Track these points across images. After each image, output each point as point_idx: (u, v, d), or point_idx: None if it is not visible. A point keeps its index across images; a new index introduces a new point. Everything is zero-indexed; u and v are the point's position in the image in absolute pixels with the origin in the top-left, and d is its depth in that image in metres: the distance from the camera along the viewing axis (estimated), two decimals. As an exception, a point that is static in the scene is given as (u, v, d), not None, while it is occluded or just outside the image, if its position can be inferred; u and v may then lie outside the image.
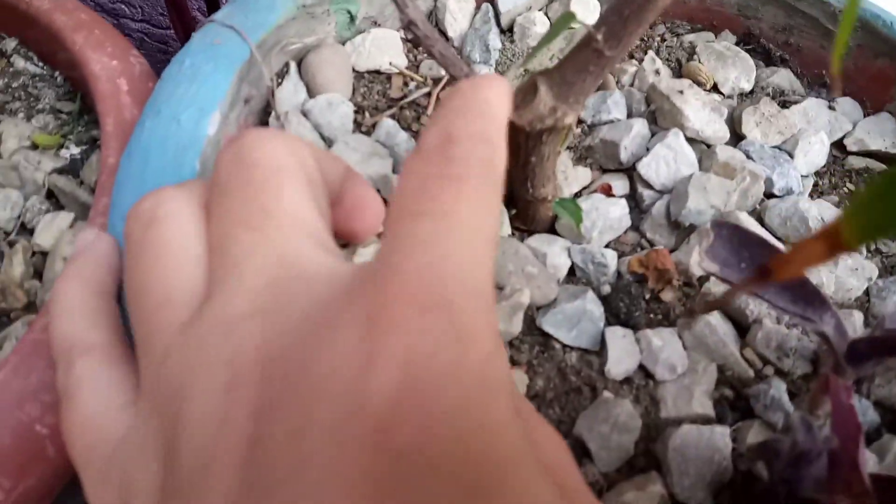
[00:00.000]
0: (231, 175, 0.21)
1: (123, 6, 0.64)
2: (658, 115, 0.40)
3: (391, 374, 0.14)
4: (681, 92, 0.39)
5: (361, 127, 0.40)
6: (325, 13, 0.40)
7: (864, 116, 0.42)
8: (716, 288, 0.34)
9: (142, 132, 0.32)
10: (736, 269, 0.30)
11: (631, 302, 0.33)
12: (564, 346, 0.32)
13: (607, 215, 0.35)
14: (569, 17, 0.27)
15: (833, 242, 0.16)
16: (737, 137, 0.39)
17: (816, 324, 0.27)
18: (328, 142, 0.37)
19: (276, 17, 0.37)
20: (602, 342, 0.31)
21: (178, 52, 0.35)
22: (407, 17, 0.29)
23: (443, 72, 0.43)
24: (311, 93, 0.39)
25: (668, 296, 0.34)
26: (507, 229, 0.35)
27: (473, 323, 0.16)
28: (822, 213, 0.35)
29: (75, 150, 0.41)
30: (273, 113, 0.37)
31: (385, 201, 0.35)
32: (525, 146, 0.31)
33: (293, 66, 0.39)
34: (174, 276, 0.19)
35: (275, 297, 0.18)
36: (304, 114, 0.37)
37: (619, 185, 0.38)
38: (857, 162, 0.40)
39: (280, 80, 0.39)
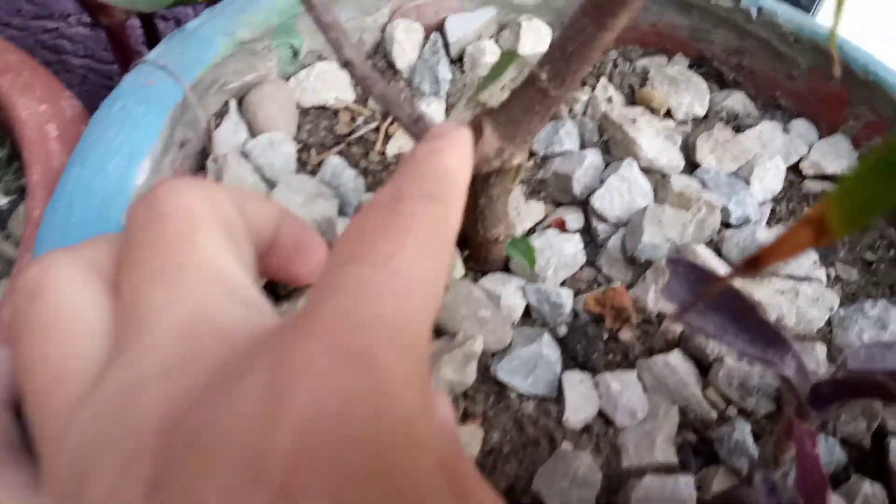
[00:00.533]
0: (142, 228, 0.19)
1: (65, 42, 0.62)
2: (611, 144, 0.39)
3: (293, 430, 0.13)
4: (633, 120, 0.38)
5: (307, 166, 0.38)
6: (265, 49, 0.39)
7: (819, 138, 0.42)
8: (675, 325, 0.33)
9: (67, 182, 0.30)
10: (693, 308, 0.29)
11: (588, 343, 0.32)
12: (521, 394, 0.30)
13: (562, 252, 0.34)
14: (511, 55, 0.26)
15: (819, 229, 0.16)
16: (692, 165, 0.39)
17: (777, 366, 0.26)
18: (270, 184, 0.36)
19: (213, 54, 0.35)
20: (559, 388, 0.30)
21: (108, 96, 0.33)
22: (343, 57, 0.28)
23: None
24: (253, 132, 0.38)
25: (626, 335, 0.33)
26: (461, 270, 0.34)
27: (396, 377, 0.14)
28: (780, 242, 0.34)
29: (3, 200, 0.38)
30: (211, 156, 0.36)
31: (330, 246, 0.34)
32: (473, 188, 0.30)
33: (233, 104, 0.38)
34: (67, 350, 0.18)
35: (185, 355, 0.16)
36: (245, 155, 0.36)
37: (574, 218, 0.37)
38: (813, 186, 0.40)
39: (219, 121, 0.37)
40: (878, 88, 0.39)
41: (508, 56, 0.26)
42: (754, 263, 0.18)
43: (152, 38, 0.54)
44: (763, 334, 0.27)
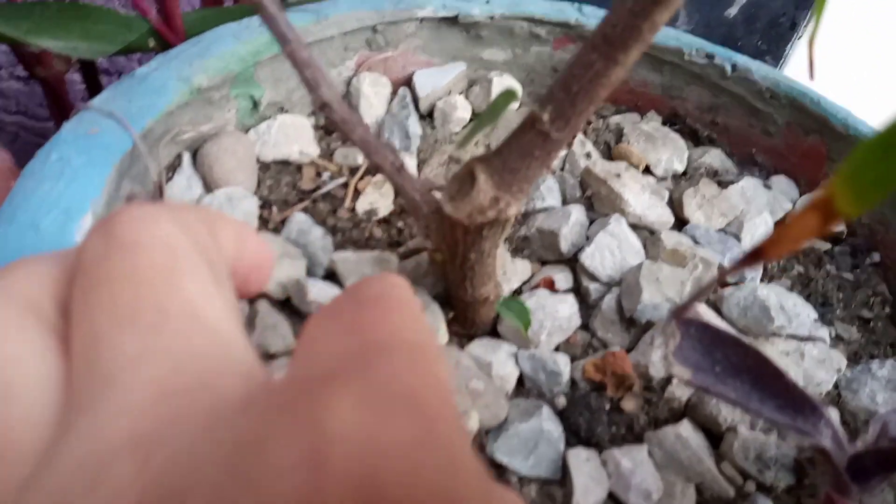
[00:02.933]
0: (104, 261, 0.15)
1: (-5, 96, 0.58)
2: (595, 200, 0.37)
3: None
4: (618, 175, 0.36)
5: (269, 224, 0.34)
6: (223, 98, 0.36)
7: (801, 195, 0.41)
8: (680, 391, 0.30)
9: (-9, 242, 0.26)
10: (710, 373, 0.26)
11: (592, 416, 0.28)
12: (522, 477, 0.27)
13: (555, 315, 0.31)
14: (510, 94, 0.24)
15: (826, 212, 0.15)
16: (680, 221, 0.37)
17: (811, 436, 0.24)
18: (229, 243, 0.32)
19: (167, 101, 0.32)
20: (564, 469, 0.27)
21: (45, 145, 0.30)
22: (320, 99, 0.25)
23: (360, 160, 0.39)
24: (209, 187, 0.34)
25: (629, 404, 0.30)
26: (444, 335, 0.30)
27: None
28: (781, 300, 0.32)
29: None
30: (162, 212, 0.32)
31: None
32: (463, 242, 0.27)
33: (187, 157, 0.34)
34: (2, 416, 0.14)
35: (168, 417, 0.13)
36: (201, 211, 0.32)
37: (562, 277, 0.34)
38: (800, 242, 0.38)
39: (171, 174, 0.33)
40: (856, 144, 0.38)
41: (507, 95, 0.24)
42: (758, 254, 0.17)
43: (94, 92, 0.50)
44: (792, 400, 0.24)
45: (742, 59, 0.42)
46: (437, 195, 0.30)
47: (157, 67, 0.33)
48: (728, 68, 0.42)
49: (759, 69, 0.41)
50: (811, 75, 0.23)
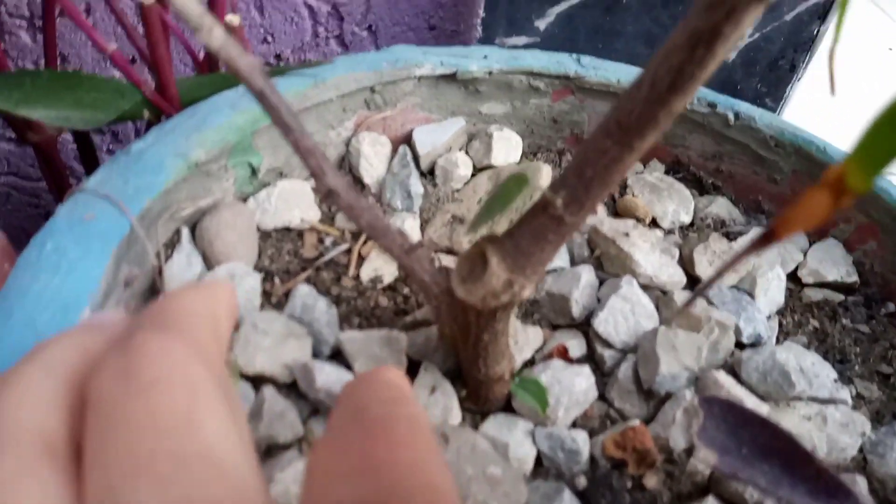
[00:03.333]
0: (121, 404, 0.15)
1: (-15, 158, 0.57)
2: (604, 260, 0.36)
3: None
4: (626, 234, 0.36)
5: (272, 298, 0.34)
6: (221, 169, 0.35)
7: (810, 244, 0.40)
8: (703, 464, 0.29)
9: (-14, 342, 0.25)
10: (737, 455, 0.25)
11: (614, 497, 0.27)
12: (546, 570, 0.25)
13: (572, 389, 0.30)
14: (521, 180, 0.23)
15: (837, 189, 0.16)
16: (692, 278, 0.36)
17: (848, 525, 0.23)
18: (232, 323, 0.31)
19: (164, 179, 0.31)
20: (590, 558, 0.26)
21: (39, 231, 0.29)
22: (325, 187, 0.24)
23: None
24: (209, 263, 0.33)
25: (651, 481, 0.29)
26: (458, 415, 0.29)
27: None
28: (800, 362, 0.32)
29: None
30: (161, 294, 0.31)
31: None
32: (476, 324, 0.26)
33: (185, 232, 0.33)
34: None
35: None
36: (201, 291, 0.31)
37: (575, 344, 0.33)
38: (814, 294, 0.38)
39: (170, 252, 0.32)
40: (867, 192, 0.38)
41: (518, 180, 0.23)
42: (771, 235, 0.18)
43: (87, 154, 0.49)
44: (824, 485, 0.23)
45: (745, 107, 0.41)
46: (446, 268, 0.30)
47: (153, 143, 0.32)
48: (731, 117, 0.41)
49: (762, 117, 0.41)
50: (832, 90, 0.23)
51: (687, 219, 0.41)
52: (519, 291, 0.24)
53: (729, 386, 0.30)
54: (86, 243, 0.27)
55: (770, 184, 0.42)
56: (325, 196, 0.24)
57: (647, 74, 0.20)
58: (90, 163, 0.48)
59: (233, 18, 0.37)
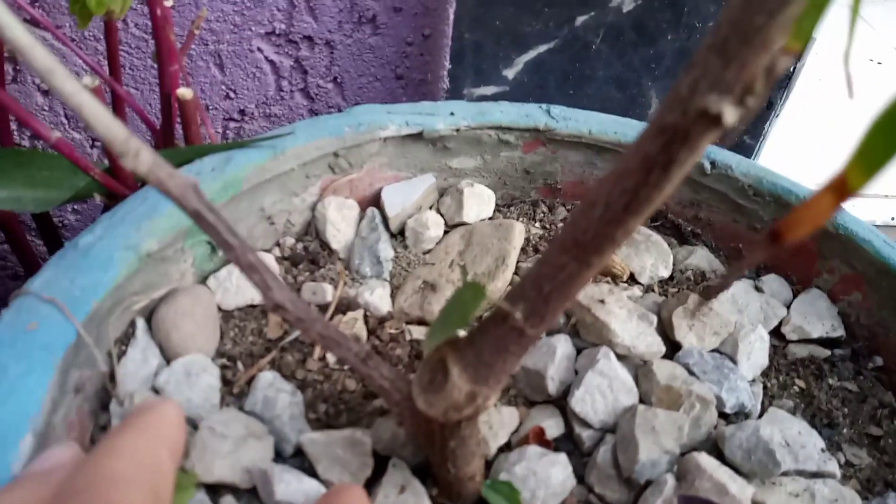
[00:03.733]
0: None
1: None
2: (580, 327, 0.35)
3: None
4: (602, 301, 0.34)
5: (233, 388, 0.32)
6: (178, 252, 0.34)
7: (794, 294, 0.39)
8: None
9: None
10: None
11: None
12: None
13: (548, 481, 0.28)
14: (477, 292, 0.22)
15: (839, 190, 0.16)
16: (671, 344, 0.35)
17: None
18: (190, 424, 0.30)
19: (114, 275, 0.30)
20: None
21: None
22: (272, 301, 0.23)
23: (329, 296, 0.37)
24: (167, 355, 0.32)
25: (635, 576, 0.27)
26: (429, 514, 0.28)
27: None
28: (785, 435, 0.30)
29: None
30: (113, 397, 0.29)
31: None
32: (441, 433, 0.25)
33: (141, 324, 0.32)
34: None
35: None
36: (157, 391, 0.30)
37: (552, 423, 0.32)
38: (798, 350, 0.37)
39: (124, 348, 0.31)
40: (850, 242, 0.36)
41: (474, 292, 0.22)
42: (776, 237, 0.18)
43: (44, 223, 0.48)
44: None
45: (722, 156, 0.40)
46: (406, 375, 0.28)
47: (102, 235, 0.31)
48: (707, 165, 0.40)
49: (739, 165, 0.40)
50: (850, 94, 0.23)
51: (666, 273, 0.40)
52: (482, 403, 0.23)
53: (711, 470, 0.28)
54: (28, 358, 0.26)
55: (750, 231, 0.41)
56: (273, 310, 0.23)
57: (601, 195, 0.18)
58: (49, 234, 0.46)
59: (184, 92, 0.36)
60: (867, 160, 0.16)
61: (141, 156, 0.20)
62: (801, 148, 0.51)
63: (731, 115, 0.16)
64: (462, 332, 0.24)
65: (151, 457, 0.20)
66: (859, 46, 0.83)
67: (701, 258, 0.40)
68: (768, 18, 0.15)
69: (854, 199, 0.17)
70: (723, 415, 0.33)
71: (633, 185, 0.18)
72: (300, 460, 0.29)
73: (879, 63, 0.82)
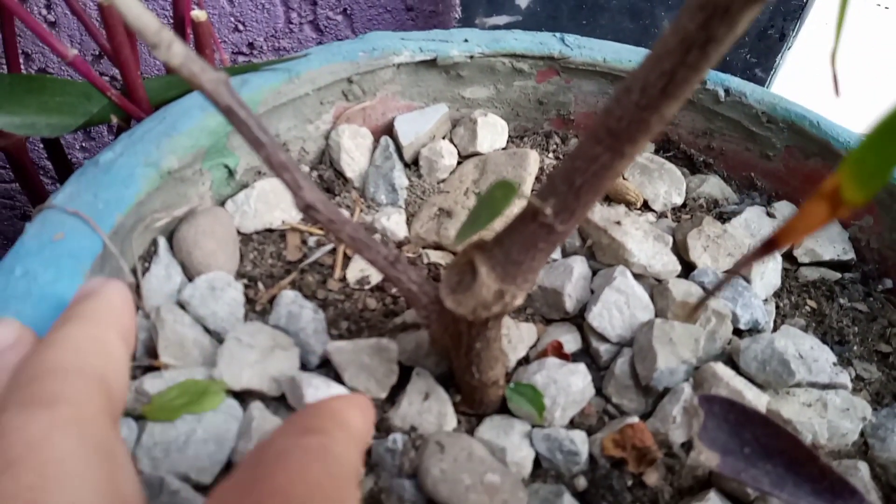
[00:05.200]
0: None
1: (-44, 161, 0.55)
2: (597, 250, 0.35)
3: None
4: (618, 223, 0.35)
5: (256, 305, 0.33)
6: (196, 173, 0.34)
7: (805, 221, 0.39)
8: (703, 457, 0.29)
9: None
10: (739, 455, 0.25)
11: (614, 497, 0.27)
12: (549, 580, 0.25)
13: (568, 388, 0.29)
14: (508, 189, 0.22)
15: (834, 201, 0.16)
16: (685, 265, 0.35)
17: (854, 526, 0.22)
18: (216, 336, 0.30)
19: (135, 191, 0.30)
20: (593, 564, 0.25)
21: (7, 254, 0.27)
22: (303, 201, 0.23)
23: (346, 221, 0.37)
24: (189, 273, 0.32)
25: (652, 478, 0.28)
26: (453, 420, 0.29)
27: None
28: (798, 348, 0.31)
29: None
30: (139, 310, 0.30)
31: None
32: (467, 333, 0.25)
33: (162, 242, 0.32)
34: None
35: None
36: (182, 305, 0.30)
37: (570, 339, 0.32)
38: (810, 273, 0.37)
39: (147, 265, 0.31)
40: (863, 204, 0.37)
41: (506, 189, 0.22)
42: (772, 245, 0.18)
43: (57, 156, 0.48)
44: (829, 484, 0.23)
45: (735, 83, 0.40)
46: (434, 277, 0.29)
47: (123, 152, 0.31)
48: (721, 93, 0.40)
49: (753, 92, 0.40)
50: (836, 91, 0.23)
51: (679, 200, 0.40)
52: (510, 301, 0.24)
53: (728, 378, 0.29)
54: (57, 265, 0.26)
55: (763, 160, 0.41)
56: (303, 210, 0.23)
57: (637, 79, 0.19)
58: (61, 164, 0.46)
59: (198, 14, 0.36)
60: (861, 175, 0.15)
61: (174, 48, 0.20)
62: (813, 81, 0.51)
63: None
64: (488, 233, 0.24)
65: (96, 343, 0.20)
66: (866, -9, 0.82)
67: (713, 186, 0.41)
68: None
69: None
70: (737, 331, 0.33)
71: (672, 66, 0.18)
72: (325, 371, 0.30)
73: (887, 8, 0.81)
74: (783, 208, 0.40)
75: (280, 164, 0.23)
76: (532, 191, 0.39)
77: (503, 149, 0.43)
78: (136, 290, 0.30)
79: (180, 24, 0.37)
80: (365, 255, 0.24)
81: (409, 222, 0.38)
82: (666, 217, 0.39)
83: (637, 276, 0.34)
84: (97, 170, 0.30)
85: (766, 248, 0.18)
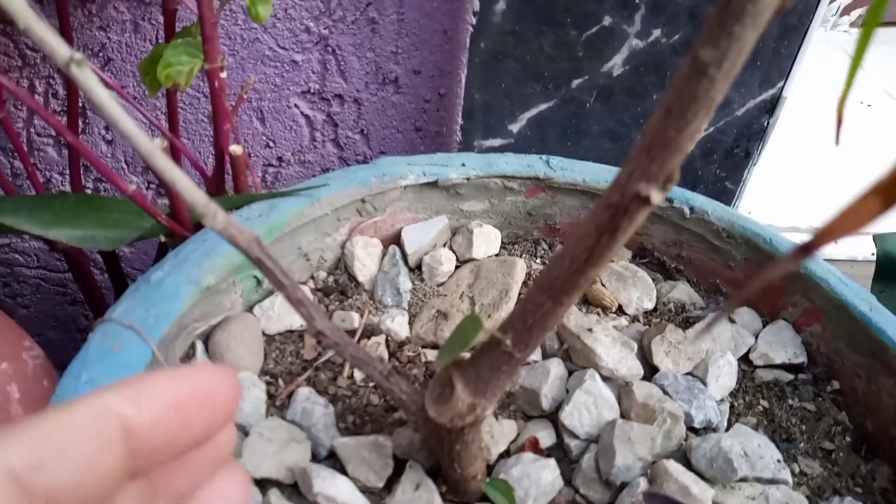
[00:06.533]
0: None
1: (17, 255, 0.62)
2: (572, 352, 0.40)
3: None
4: (590, 330, 0.40)
5: (276, 401, 0.38)
6: (230, 284, 0.40)
7: (763, 325, 0.44)
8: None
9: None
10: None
11: (575, 580, 0.31)
12: None
13: (539, 481, 0.34)
14: (476, 323, 0.28)
15: (889, 195, 0.15)
16: (650, 368, 0.40)
17: None
18: (242, 430, 0.35)
19: (180, 305, 0.36)
20: None
21: (74, 360, 0.33)
22: (314, 329, 0.29)
23: (356, 323, 0.43)
24: (221, 372, 0.38)
25: (611, 562, 0.33)
26: (439, 507, 0.34)
27: None
28: (745, 446, 0.36)
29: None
30: (180, 407, 0.35)
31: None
32: (448, 437, 0.30)
33: (200, 346, 0.38)
34: None
35: None
36: (214, 402, 0.36)
37: (545, 434, 0.37)
38: (765, 375, 0.42)
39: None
40: (809, 280, 0.42)
41: (473, 323, 0.28)
42: (811, 246, 0.17)
43: (108, 256, 0.54)
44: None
45: (700, 201, 0.46)
46: (420, 389, 0.34)
47: (170, 272, 0.37)
48: (686, 210, 0.46)
49: (714, 210, 0.45)
50: (837, 141, 0.22)
51: (650, 305, 0.45)
52: (481, 413, 0.29)
53: (678, 474, 0.34)
54: (115, 373, 0.32)
55: (726, 269, 0.46)
56: (314, 336, 0.29)
57: (569, 251, 0.24)
58: (111, 264, 0.53)
59: (235, 149, 0.42)
60: None
61: (218, 217, 0.26)
62: (778, 189, 0.56)
63: (657, 197, 0.22)
64: (466, 355, 0.29)
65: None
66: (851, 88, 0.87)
67: (682, 292, 0.46)
68: (678, 133, 0.20)
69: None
70: (693, 429, 0.38)
71: (591, 245, 0.23)
72: (333, 461, 0.35)
73: (869, 105, 0.86)
74: (744, 314, 0.45)
75: (297, 300, 0.29)
76: (519, 294, 0.45)
77: (496, 255, 0.49)
78: (177, 389, 0.36)
79: (220, 155, 0.43)
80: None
81: (411, 322, 0.44)
82: (638, 321, 0.44)
83: (606, 379, 0.39)
84: (148, 287, 0.37)
85: (805, 250, 0.17)
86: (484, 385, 0.28)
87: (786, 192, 0.62)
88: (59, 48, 0.22)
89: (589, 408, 0.37)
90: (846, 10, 1.07)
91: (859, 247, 0.71)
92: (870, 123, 0.84)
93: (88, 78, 0.23)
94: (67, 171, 0.56)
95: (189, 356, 0.38)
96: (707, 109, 0.20)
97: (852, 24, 1.10)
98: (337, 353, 0.29)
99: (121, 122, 0.24)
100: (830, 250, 0.71)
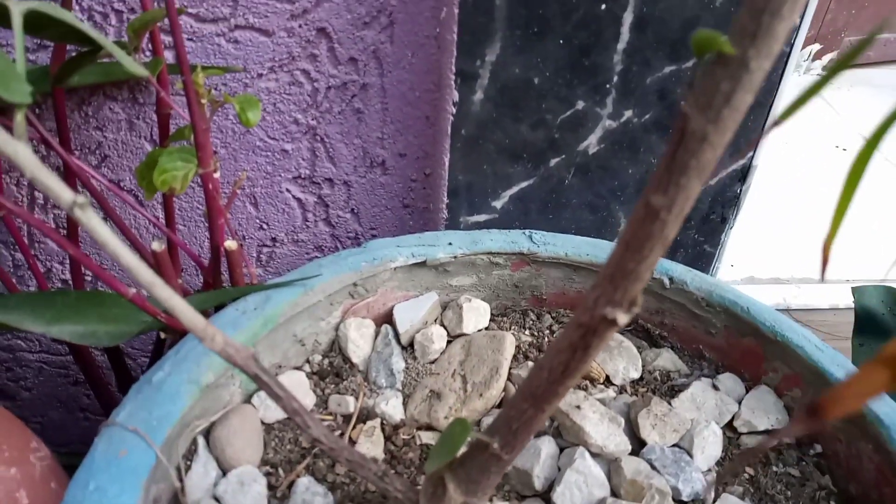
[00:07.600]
0: None
1: (20, 341, 0.63)
2: (562, 429, 0.42)
3: None
4: (578, 407, 0.41)
5: (277, 492, 0.39)
6: (228, 378, 0.41)
7: (746, 390, 0.46)
8: None
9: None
10: None
11: None
12: None
13: (533, 566, 0.35)
14: (464, 428, 0.29)
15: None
16: (638, 441, 0.42)
17: None
18: (244, 526, 0.37)
19: (182, 406, 0.37)
20: None
21: (81, 467, 0.35)
22: (311, 436, 0.30)
23: (352, 407, 0.44)
24: (223, 466, 0.39)
25: None
26: None
27: None
28: (731, 520, 0.37)
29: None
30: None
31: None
32: (442, 533, 0.32)
33: (201, 441, 0.39)
34: None
35: None
36: (217, 499, 0.37)
37: (539, 514, 0.38)
38: (749, 441, 0.43)
39: (188, 462, 0.38)
40: (787, 347, 0.43)
41: (461, 426, 0.29)
42: (816, 412, 0.17)
43: (112, 355, 0.56)
44: None
45: (678, 271, 0.48)
46: (414, 485, 0.35)
47: (171, 372, 0.39)
48: (666, 281, 0.47)
49: (693, 280, 0.47)
50: (822, 277, 0.22)
51: (636, 374, 0.47)
52: (473, 511, 0.30)
53: (667, 552, 0.35)
54: (121, 480, 0.33)
55: (708, 335, 0.48)
56: (311, 442, 0.30)
57: (546, 363, 0.26)
58: (112, 351, 0.54)
59: (230, 244, 0.44)
60: None
61: (216, 338, 0.28)
62: (758, 242, 0.58)
63: (622, 318, 0.23)
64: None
65: None
66: (824, 132, 0.90)
67: (666, 360, 0.47)
68: (637, 264, 0.22)
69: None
70: (681, 502, 0.39)
71: (566, 360, 0.25)
72: (333, 554, 0.36)
73: (844, 149, 0.89)
74: (727, 380, 0.46)
75: (293, 410, 0.30)
76: (510, 369, 0.46)
77: (486, 328, 0.50)
78: (181, 489, 0.37)
79: (216, 249, 0.45)
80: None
81: (405, 403, 0.45)
82: (625, 391, 0.46)
83: (595, 455, 0.40)
84: (150, 388, 0.38)
85: (811, 413, 0.17)
86: (474, 485, 0.30)
87: (766, 244, 0.64)
88: (63, 193, 0.24)
89: (580, 486, 0.38)
90: (818, 55, 1.11)
91: (840, 295, 0.73)
92: (845, 168, 0.86)
93: (91, 219, 0.25)
94: (67, 261, 0.58)
95: (191, 452, 0.39)
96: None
97: (824, 68, 1.13)
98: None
99: (122, 258, 0.26)
100: (813, 299, 0.73)
